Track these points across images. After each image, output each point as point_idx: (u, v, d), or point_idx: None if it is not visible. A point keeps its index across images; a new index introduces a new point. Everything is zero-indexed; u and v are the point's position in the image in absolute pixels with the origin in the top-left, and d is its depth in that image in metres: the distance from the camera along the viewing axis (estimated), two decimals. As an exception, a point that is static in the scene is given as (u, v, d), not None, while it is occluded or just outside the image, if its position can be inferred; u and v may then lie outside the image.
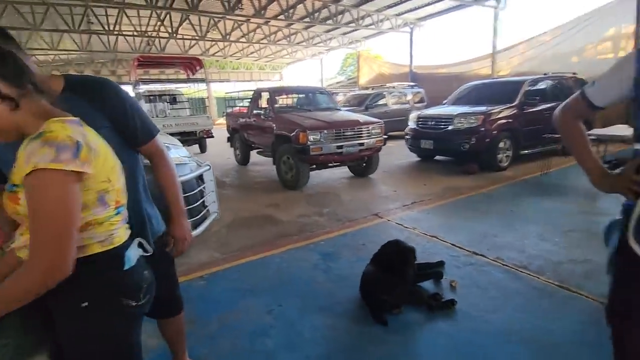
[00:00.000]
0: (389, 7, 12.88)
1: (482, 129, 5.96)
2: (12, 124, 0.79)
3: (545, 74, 7.34)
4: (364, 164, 6.05)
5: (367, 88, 13.71)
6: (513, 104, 6.33)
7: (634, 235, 1.04)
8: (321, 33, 16.33)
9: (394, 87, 11.87)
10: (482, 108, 6.26)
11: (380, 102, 11.18)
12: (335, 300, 2.41)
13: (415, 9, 13.24)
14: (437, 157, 7.45)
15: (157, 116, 8.85)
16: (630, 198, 1.03)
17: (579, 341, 1.93)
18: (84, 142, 0.78)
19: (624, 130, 5.34)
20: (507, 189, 5.09)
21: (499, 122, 6.10)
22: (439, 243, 3.28)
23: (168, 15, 12.41)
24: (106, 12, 11.39)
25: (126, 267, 0.91)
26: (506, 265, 2.79)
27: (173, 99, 10.09)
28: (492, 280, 2.59)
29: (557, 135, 6.50)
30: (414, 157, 7.68)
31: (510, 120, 6.21)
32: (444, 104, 7.67)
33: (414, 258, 2.45)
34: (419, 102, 11.76)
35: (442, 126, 6.43)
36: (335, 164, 5.56)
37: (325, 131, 5.05)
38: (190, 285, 2.68)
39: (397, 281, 2.29)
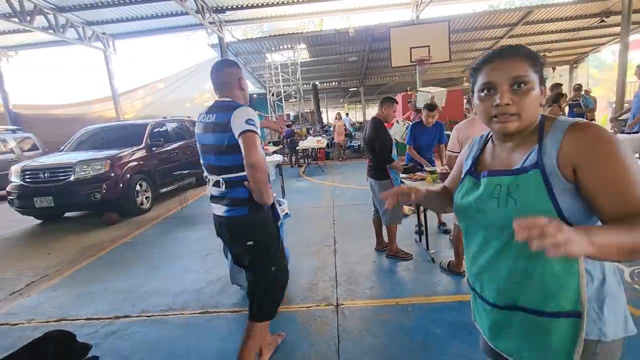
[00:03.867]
0: (-54, 24, 9.26)
1: (112, 174, 5.53)
2: None
3: (164, 117, 8.00)
4: None
5: None
6: (141, 146, 6.37)
7: None
8: None
9: (-22, 133, 8.68)
10: (109, 152, 5.82)
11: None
12: None
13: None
14: (67, 214, 6.18)
15: None
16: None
17: (222, 354, 2.08)
18: None
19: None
20: (153, 230, 5.01)
21: (130, 164, 5.92)
22: (69, 325, 2.57)
23: None
24: None
25: None
26: (153, 316, 2.62)
27: None
28: (137, 342, 2.31)
29: (186, 172, 7.32)
30: (32, 221, 5.92)
31: (141, 162, 6.20)
32: (61, 151, 6.48)
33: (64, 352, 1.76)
34: (30, 149, 9.33)
35: (62, 177, 5.35)
36: None
37: None
38: None
39: None
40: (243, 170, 1.68)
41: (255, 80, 18.10)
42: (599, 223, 0.79)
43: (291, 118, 16.08)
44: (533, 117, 0.84)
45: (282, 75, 13.70)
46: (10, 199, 5.39)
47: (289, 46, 13.21)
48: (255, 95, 20.19)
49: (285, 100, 15.28)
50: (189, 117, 9.00)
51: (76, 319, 2.63)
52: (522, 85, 0.81)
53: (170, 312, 2.65)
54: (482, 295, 0.96)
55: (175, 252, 4.00)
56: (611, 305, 0.82)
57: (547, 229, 0.56)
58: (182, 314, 2.61)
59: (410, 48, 9.31)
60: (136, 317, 2.61)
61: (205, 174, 1.87)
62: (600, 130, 0.78)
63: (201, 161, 1.87)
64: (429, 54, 9.27)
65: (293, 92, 15.24)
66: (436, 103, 4.70)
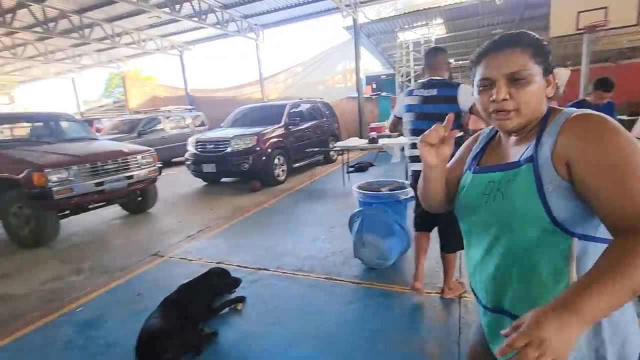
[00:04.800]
0: (152, 26, 12.09)
1: (258, 148, 6.43)
2: None
3: (300, 99, 8.75)
4: (139, 199, 5.30)
5: (138, 112, 12.35)
6: (280, 125, 7.17)
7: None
8: (66, 47, 13.45)
9: (170, 111, 11.19)
10: (256, 129, 6.77)
11: (157, 127, 10.27)
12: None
13: (181, 32, 13.03)
14: (223, 180, 7.51)
15: None
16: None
17: (339, 321, 2.27)
18: None
19: (356, 141, 7.04)
20: (286, 200, 5.66)
21: (271, 141, 6.76)
22: (224, 267, 3.19)
23: None
24: None
25: None
26: (286, 273, 3.02)
27: None
28: (275, 291, 2.72)
29: (317, 149, 7.91)
30: (199, 182, 7.42)
31: (280, 139, 7.00)
32: (222, 127, 7.83)
33: (222, 284, 2.47)
34: (200, 125, 11.58)
35: (222, 149, 6.52)
36: (97, 204, 4.57)
37: (75, 167, 4.06)
38: None
39: (182, 327, 2.03)
40: None
41: (385, 61, 17.84)
42: (601, 228, 0.69)
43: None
44: (536, 112, 0.78)
45: (413, 55, 13.13)
46: (187, 163, 6.86)
47: (424, 22, 12.49)
48: (383, 76, 19.98)
49: (414, 80, 14.65)
50: (321, 99, 9.60)
51: (230, 264, 3.25)
52: (520, 79, 0.75)
53: (300, 272, 3.01)
54: (477, 296, 0.92)
55: (305, 221, 4.44)
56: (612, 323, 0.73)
57: (527, 356, 0.52)
58: (309, 276, 2.93)
59: (579, 12, 7.61)
60: (273, 271, 3.06)
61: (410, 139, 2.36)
62: (602, 121, 0.68)
63: (409, 127, 2.36)
64: (606, 17, 7.39)
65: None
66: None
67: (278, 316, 2.39)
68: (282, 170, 7.01)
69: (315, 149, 7.83)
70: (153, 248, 3.84)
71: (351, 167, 7.28)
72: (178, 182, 7.54)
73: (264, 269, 3.11)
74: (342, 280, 2.81)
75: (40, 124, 5.29)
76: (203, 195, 6.59)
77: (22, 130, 5.66)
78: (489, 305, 0.87)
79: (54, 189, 3.83)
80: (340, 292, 2.66)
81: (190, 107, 12.62)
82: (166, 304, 2.21)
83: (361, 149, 6.81)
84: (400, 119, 2.49)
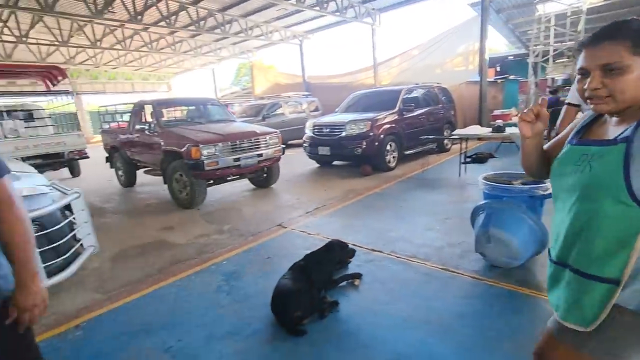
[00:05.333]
0: (278, 18, 13.16)
1: (371, 133, 6.50)
2: None
3: (416, 84, 8.43)
4: (265, 175, 5.98)
5: (262, 98, 13.72)
6: (394, 110, 7.08)
7: None
8: (210, 42, 15.72)
9: (289, 97, 12.13)
10: (369, 115, 6.84)
11: (278, 111, 11.29)
12: (243, 322, 2.27)
13: (303, 22, 13.83)
14: (335, 162, 7.85)
15: (5, 137, 7.17)
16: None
17: (458, 314, 2.21)
18: None
19: (477, 129, 6.48)
20: (397, 187, 5.63)
21: (384, 126, 6.74)
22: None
23: (13, 15, 10.29)
24: None
25: None
26: (400, 257, 3.05)
27: (29, 114, 8.34)
28: (389, 273, 2.79)
29: (431, 137, 7.58)
30: (313, 164, 7.92)
31: (393, 125, 6.93)
32: (336, 112, 8.14)
33: (342, 254, 2.74)
34: (314, 110, 12.26)
35: (337, 133, 6.81)
36: (233, 177, 5.34)
37: (220, 144, 4.81)
38: (62, 340, 2.20)
39: (309, 290, 2.28)
40: None
41: (516, 39, 15.68)
42: None
43: (558, 82, 13.08)
44: (636, 98, 0.82)
45: (554, 30, 11.20)
46: (305, 146, 7.39)
47: (575, -11, 10.47)
48: (510, 57, 17.62)
49: (553, 60, 12.50)
50: (438, 84, 9.07)
51: (345, 242, 3.44)
52: (615, 69, 0.81)
53: (414, 259, 3.00)
54: (550, 251, 1.03)
55: (417, 209, 4.36)
56: None
57: None
58: (424, 264, 2.91)
59: None
60: (387, 254, 3.13)
61: None
62: None
63: None
64: None
65: (566, 50, 12.22)
66: None
67: (393, 297, 2.45)
68: (393, 157, 6.95)
69: (430, 137, 7.50)
70: (277, 219, 4.32)
71: (468, 157, 6.75)
72: (294, 163, 8.20)
73: (378, 251, 3.20)
74: (460, 274, 2.70)
75: (193, 107, 6.39)
76: (317, 176, 7.03)
77: (179, 112, 6.94)
78: (555, 258, 0.99)
79: (205, 161, 4.62)
80: (458, 284, 2.57)
81: (306, 93, 13.43)
82: (295, 268, 2.50)
83: (480, 139, 6.24)
84: (578, 106, 2.20)
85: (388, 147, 6.79)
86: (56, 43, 12.21)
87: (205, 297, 2.62)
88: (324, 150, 6.93)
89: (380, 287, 2.60)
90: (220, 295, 2.65)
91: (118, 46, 14.36)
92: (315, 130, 7.20)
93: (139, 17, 10.46)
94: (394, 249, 3.22)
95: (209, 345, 2.07)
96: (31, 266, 1.06)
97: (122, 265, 3.36)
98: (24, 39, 11.48)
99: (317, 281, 2.41)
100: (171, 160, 5.04)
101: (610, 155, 0.84)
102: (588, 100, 0.89)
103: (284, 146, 5.79)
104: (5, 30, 11.27)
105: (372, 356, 1.91)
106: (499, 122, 6.39)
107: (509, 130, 5.64)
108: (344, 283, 2.65)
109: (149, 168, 6.17)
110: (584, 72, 0.87)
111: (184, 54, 16.56)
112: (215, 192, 5.81)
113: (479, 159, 7.04)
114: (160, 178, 5.58)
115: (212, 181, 5.16)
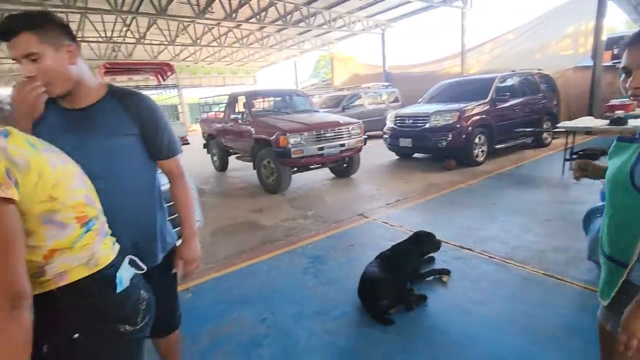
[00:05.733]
0: (361, 8, 13.01)
1: (458, 125, 6.10)
2: None
3: (513, 71, 7.62)
4: (345, 165, 6.05)
5: (341, 89, 13.80)
6: (485, 101, 6.52)
7: None
8: (294, 36, 16.28)
9: (369, 88, 11.99)
10: (457, 105, 6.41)
11: (357, 102, 11.26)
12: (330, 304, 2.37)
13: (386, 10, 13.45)
14: (416, 155, 7.57)
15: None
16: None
17: (567, 326, 1.99)
18: (2, 158, 0.66)
19: (590, 121, 5.63)
20: (486, 183, 5.22)
21: (473, 118, 6.27)
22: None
23: (134, 20, 11.99)
24: (67, 17, 10.85)
25: (119, 289, 0.82)
26: (493, 258, 2.84)
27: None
28: (481, 273, 2.63)
29: (528, 130, 6.82)
30: (392, 156, 7.76)
31: (483, 116, 6.40)
32: (419, 103, 7.81)
33: (430, 246, 2.68)
34: (393, 101, 11.94)
35: (420, 124, 6.54)
36: (316, 165, 5.52)
37: (306, 133, 5.00)
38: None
39: (396, 280, 2.28)
40: None
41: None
42: None
43: None
44: None
45: None
46: (385, 137, 7.25)
47: None
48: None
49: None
50: (539, 70, 8.07)
51: (430, 237, 3.33)
52: None
53: (510, 260, 2.77)
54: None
55: (512, 208, 3.99)
56: None
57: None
58: (522, 267, 2.66)
59: None
60: (478, 253, 2.94)
61: None
62: None
63: None
64: None
65: None
66: None
67: (486, 298, 2.31)
68: (482, 151, 6.44)
69: (527, 129, 6.76)
70: (358, 209, 4.36)
71: (575, 153, 5.92)
72: (373, 154, 8.13)
73: (467, 249, 3.03)
74: (568, 282, 2.42)
75: (280, 98, 6.72)
76: (397, 168, 6.88)
77: (267, 103, 7.37)
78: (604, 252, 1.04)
79: (292, 149, 4.86)
80: (565, 294, 2.31)
81: (386, 83, 13.12)
82: (382, 257, 2.51)
83: (589, 132, 5.41)
84: None
85: (477, 140, 6.30)
86: (165, 42, 13.90)
87: (294, 277, 2.79)
88: (405, 142, 6.73)
89: (471, 286, 2.46)
90: (307, 276, 2.79)
91: (214, 43, 15.75)
92: (397, 122, 7.01)
93: (234, 14, 11.31)
94: (486, 248, 3.01)
95: (299, 322, 2.20)
96: (193, 226, 1.35)
97: (220, 240, 3.75)
98: (142, 40, 13.31)
99: (405, 272, 2.39)
100: (260, 147, 5.41)
101: (628, 150, 0.93)
102: (631, 98, 0.92)
103: (366, 136, 5.78)
104: (128, 33, 13.17)
105: (464, 354, 1.84)
106: (620, 112, 5.44)
107: (632, 123, 4.79)
108: (431, 278, 2.57)
109: (239, 154, 6.72)
110: (626, 71, 0.91)
111: (270, 48, 17.43)
112: (298, 180, 6.08)
113: (588, 155, 6.11)
114: (250, 164, 6.03)
115: (295, 168, 5.40)
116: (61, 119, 1.09)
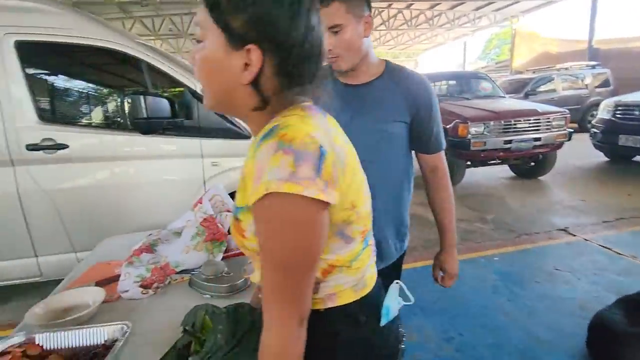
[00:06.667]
0: (566, -31, 10.43)
1: None
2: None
3: None
4: (533, 163, 4.96)
5: (521, 72, 11.61)
6: None
7: None
8: (469, 12, 14.55)
9: (566, 69, 9.64)
10: None
11: (545, 87, 9.23)
12: (538, 345, 1.85)
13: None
14: (637, 158, 5.62)
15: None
16: None
17: None
18: (328, 147, 0.48)
19: None
20: None
21: None
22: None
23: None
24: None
25: (383, 322, 0.64)
26: None
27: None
28: None
29: None
30: (599, 157, 6.00)
31: None
32: (657, 87, 5.69)
33: None
34: (601, 85, 9.27)
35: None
36: (497, 161, 4.69)
37: (492, 122, 4.25)
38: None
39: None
40: None
41: None
42: None
43: None
44: None
45: None
46: (594, 132, 5.59)
47: None
48: None
49: None
50: None
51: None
52: None
53: None
54: None
55: None
56: None
57: None
58: None
59: None
60: None
61: None
62: None
63: None
64: None
65: None
66: None
67: None
68: None
69: None
70: (558, 222, 3.46)
71: None
72: (570, 152, 6.46)
73: None
74: None
75: (458, 81, 6.00)
76: (609, 173, 5.27)
77: (443, 87, 6.72)
78: None
79: (472, 140, 4.22)
80: None
81: (592, 63, 10.25)
82: (628, 304, 1.79)
83: None
84: None
85: None
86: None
87: (481, 295, 2.34)
88: (628, 141, 5.01)
89: None
90: (500, 298, 2.29)
91: (382, 27, 15.66)
92: (618, 113, 5.28)
93: (406, -6, 10.83)
94: None
95: (498, 357, 1.78)
96: (454, 232, 1.16)
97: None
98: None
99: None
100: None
101: None
102: None
103: (571, 130, 4.55)
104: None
105: None
106: None
107: None
108: None
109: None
110: None
111: (440, 27, 16.17)
112: (471, 175, 5.36)
113: None
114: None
115: (469, 162, 4.73)
116: (339, 95, 0.99)
